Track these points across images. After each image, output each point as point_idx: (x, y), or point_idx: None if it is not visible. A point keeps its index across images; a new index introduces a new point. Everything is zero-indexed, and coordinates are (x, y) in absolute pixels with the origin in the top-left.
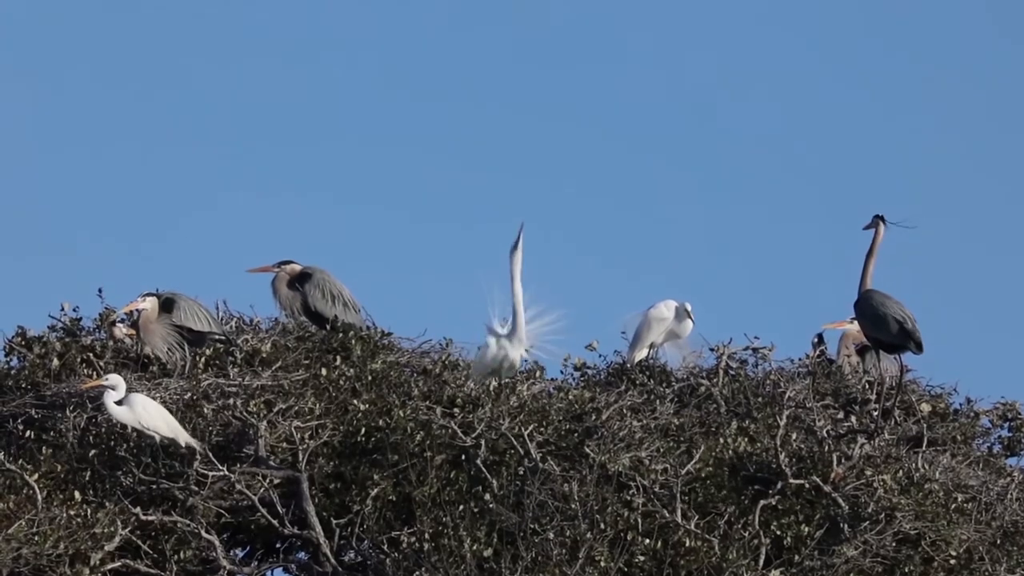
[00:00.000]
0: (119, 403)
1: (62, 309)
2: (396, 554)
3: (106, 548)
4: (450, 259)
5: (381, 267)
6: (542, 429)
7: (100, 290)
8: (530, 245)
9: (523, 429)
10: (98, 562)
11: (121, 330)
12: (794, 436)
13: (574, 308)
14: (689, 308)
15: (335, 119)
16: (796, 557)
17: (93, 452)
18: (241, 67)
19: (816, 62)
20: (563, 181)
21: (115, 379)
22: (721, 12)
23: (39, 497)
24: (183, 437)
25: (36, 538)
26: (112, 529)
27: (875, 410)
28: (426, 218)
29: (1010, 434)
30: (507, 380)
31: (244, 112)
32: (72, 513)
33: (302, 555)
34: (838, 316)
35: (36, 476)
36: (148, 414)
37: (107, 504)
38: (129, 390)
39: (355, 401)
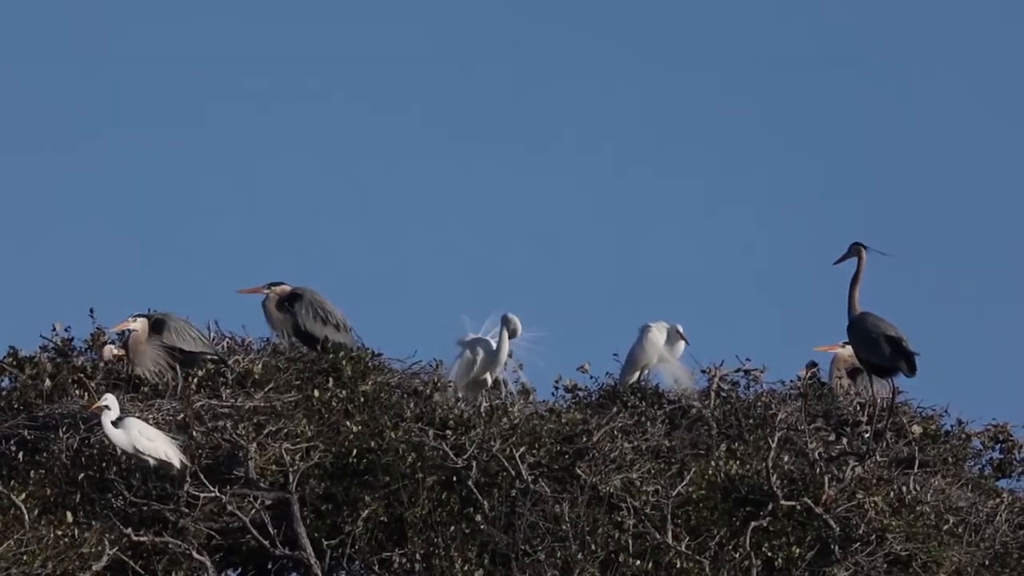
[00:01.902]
0: (115, 424)
1: (53, 329)
2: (387, 575)
3: (94, 568)
4: (441, 275)
5: (370, 286)
6: (534, 451)
7: (92, 310)
8: (520, 261)
9: (515, 451)
10: None
11: (111, 351)
12: (785, 458)
13: (562, 328)
14: (681, 329)
15: (323, 138)
16: None
17: (83, 475)
18: (235, 84)
19: (804, 77)
20: (552, 191)
21: (110, 399)
22: (719, 19)
23: (26, 517)
24: (177, 460)
25: (24, 558)
26: (100, 549)
27: (866, 432)
28: (416, 236)
29: (1001, 456)
30: (497, 401)
31: (235, 130)
32: (60, 533)
33: None
34: (828, 338)
35: (23, 496)
36: (143, 438)
37: (95, 524)
38: (122, 411)
39: (347, 423)
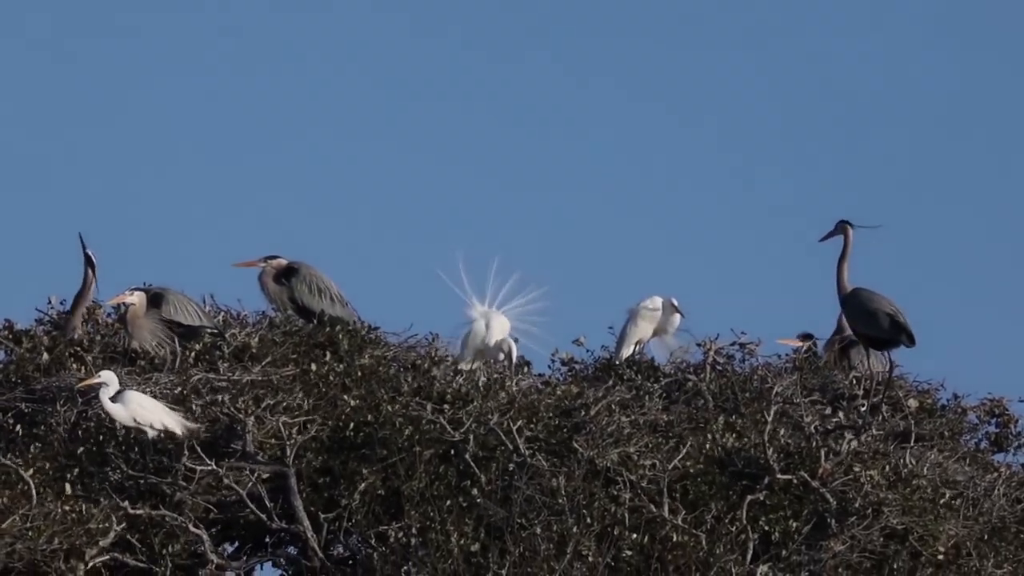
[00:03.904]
0: (113, 399)
1: (49, 303)
2: (384, 548)
3: (100, 544)
4: (437, 254)
5: (365, 261)
6: (531, 425)
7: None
8: (513, 242)
9: (512, 424)
10: (94, 555)
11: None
12: (782, 432)
13: (557, 298)
14: (676, 302)
15: (318, 115)
16: (783, 552)
17: (81, 449)
18: (227, 65)
19: (799, 59)
20: (546, 176)
21: (108, 375)
22: (711, 12)
23: (34, 492)
24: (179, 427)
25: (30, 533)
26: (107, 525)
27: (863, 406)
28: (411, 214)
29: (997, 430)
30: (496, 373)
31: (230, 109)
32: (67, 508)
33: (290, 549)
34: (822, 313)
35: (31, 471)
36: (144, 410)
37: (101, 500)
38: (121, 385)
39: (344, 396)
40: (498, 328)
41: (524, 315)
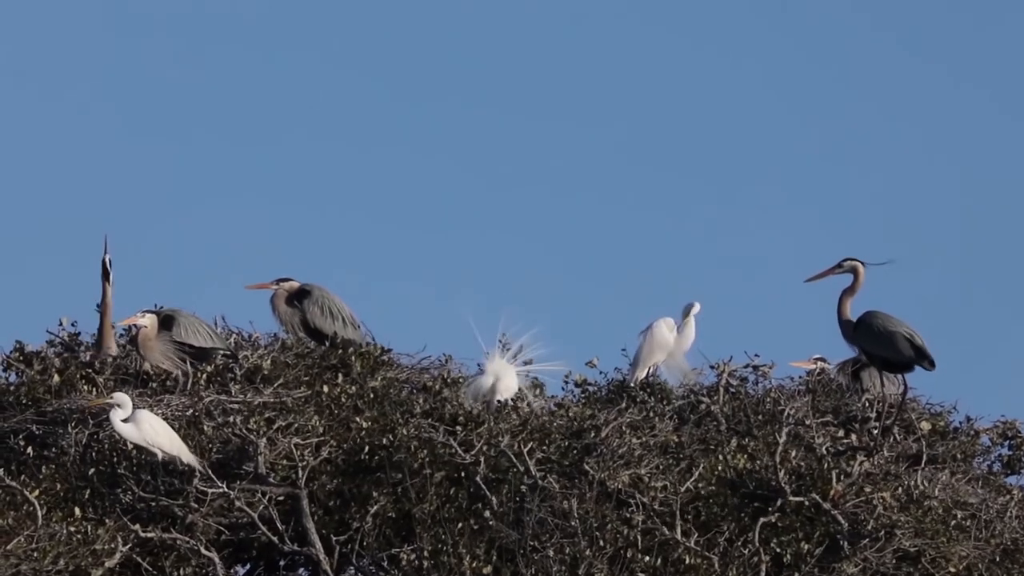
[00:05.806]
0: (125, 420)
1: (60, 324)
2: (396, 571)
3: (106, 565)
4: (447, 272)
5: (377, 280)
6: (543, 447)
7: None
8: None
9: (523, 447)
10: None
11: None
12: (794, 453)
13: (571, 324)
14: (696, 309)
15: (327, 125)
16: (796, 574)
17: (92, 471)
18: (232, 72)
19: (810, 69)
20: (556, 188)
21: (121, 397)
22: (722, 15)
23: (39, 513)
24: (186, 455)
25: (35, 554)
26: (112, 546)
27: (875, 428)
28: (421, 228)
29: (1010, 452)
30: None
31: (238, 121)
32: (72, 529)
33: (302, 572)
34: (836, 335)
35: (36, 492)
36: (154, 432)
37: (107, 521)
38: (134, 407)
39: (357, 419)
40: (505, 389)
41: (535, 372)
